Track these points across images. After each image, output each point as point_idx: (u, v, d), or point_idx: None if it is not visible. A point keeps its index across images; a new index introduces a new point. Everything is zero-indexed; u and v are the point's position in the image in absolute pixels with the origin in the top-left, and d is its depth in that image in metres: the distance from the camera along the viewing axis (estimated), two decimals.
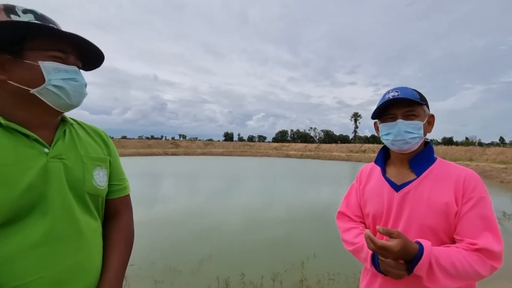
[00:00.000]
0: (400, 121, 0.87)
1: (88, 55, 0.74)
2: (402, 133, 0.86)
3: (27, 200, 0.62)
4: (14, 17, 0.62)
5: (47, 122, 0.70)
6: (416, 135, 0.86)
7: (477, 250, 0.76)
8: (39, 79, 0.63)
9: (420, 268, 0.74)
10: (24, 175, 0.61)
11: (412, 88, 0.91)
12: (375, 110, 0.91)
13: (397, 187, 0.90)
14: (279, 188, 12.31)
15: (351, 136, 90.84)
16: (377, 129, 0.98)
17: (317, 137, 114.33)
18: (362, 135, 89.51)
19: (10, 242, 0.59)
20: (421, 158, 0.91)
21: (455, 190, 0.82)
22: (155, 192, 10.60)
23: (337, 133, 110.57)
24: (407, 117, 0.87)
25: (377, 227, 0.78)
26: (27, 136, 0.65)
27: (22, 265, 0.59)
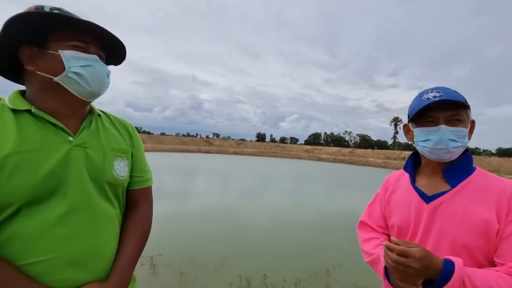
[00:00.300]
0: (443, 126, 0.76)
1: (111, 47, 0.77)
2: (446, 141, 0.76)
3: (49, 184, 0.66)
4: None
5: (74, 112, 0.75)
6: (459, 144, 0.77)
7: None
8: (60, 67, 0.67)
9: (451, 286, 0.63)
10: (47, 161, 0.66)
11: (454, 89, 0.80)
12: (415, 112, 0.80)
13: (427, 198, 0.81)
14: (308, 191, 12.03)
15: (390, 142, 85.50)
16: (407, 132, 0.90)
17: (352, 142, 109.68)
18: (402, 141, 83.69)
19: (31, 222, 0.64)
20: (458, 168, 0.80)
21: (497, 206, 0.71)
22: (188, 187, 11.06)
23: (374, 138, 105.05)
24: (450, 122, 0.77)
25: (392, 238, 0.71)
26: (54, 125, 0.70)
27: (40, 244, 0.64)
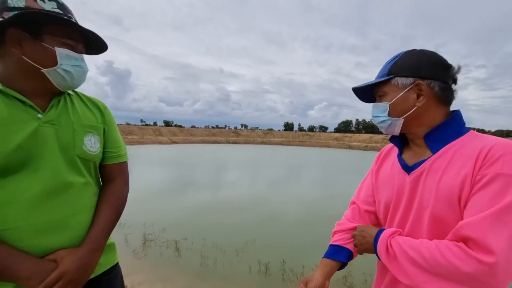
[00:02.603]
0: (372, 105, 0.82)
1: (93, 44, 0.83)
2: (374, 118, 0.80)
3: (17, 157, 0.70)
4: (40, 3, 0.71)
5: (44, 93, 0.78)
6: (382, 119, 0.77)
7: (461, 238, 0.58)
8: (52, 62, 0.73)
9: (380, 254, 0.70)
10: (15, 135, 0.70)
11: (396, 55, 0.77)
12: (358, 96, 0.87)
13: (409, 169, 0.75)
14: (335, 180, 11.71)
15: None
16: None
17: None
18: None
19: (3, 192, 0.68)
20: (439, 131, 0.71)
21: (474, 166, 0.61)
22: (213, 177, 11.39)
23: None
24: (379, 98, 0.79)
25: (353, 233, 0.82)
26: (23, 102, 0.73)
27: (12, 212, 0.69)
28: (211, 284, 3.12)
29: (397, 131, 0.77)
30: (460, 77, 0.73)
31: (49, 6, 0.72)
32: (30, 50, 0.71)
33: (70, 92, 0.87)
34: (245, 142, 52.64)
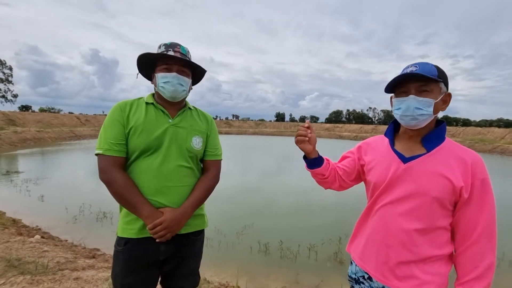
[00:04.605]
0: (411, 96, 0.87)
1: (194, 67, 1.21)
2: (412, 109, 0.87)
3: (154, 144, 1.11)
4: (158, 50, 1.15)
5: (172, 105, 1.20)
6: (425, 112, 0.87)
7: None
8: (157, 83, 1.16)
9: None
10: (156, 130, 1.12)
11: (434, 64, 0.90)
12: (388, 84, 0.92)
13: (405, 159, 0.92)
14: None
15: None
16: (391, 102, 0.99)
17: (376, 118, 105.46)
18: None
19: (143, 163, 1.10)
20: (434, 135, 0.92)
21: (462, 170, 0.85)
22: None
23: None
24: (420, 92, 0.87)
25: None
26: (163, 111, 1.17)
27: (145, 177, 1.09)
28: (218, 261, 3.46)
29: (423, 125, 0.90)
30: (449, 67, 0.99)
31: (160, 50, 1.14)
32: (154, 80, 1.18)
33: (191, 107, 1.28)
34: (237, 133, 52.74)
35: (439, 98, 0.88)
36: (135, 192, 1.06)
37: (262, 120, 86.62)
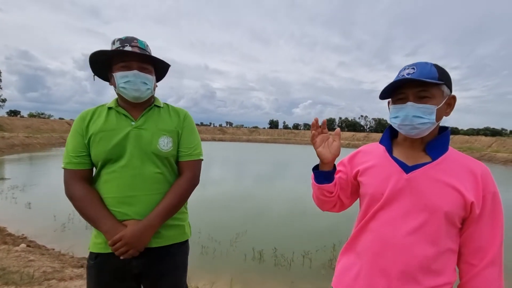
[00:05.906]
0: (410, 104, 0.76)
1: (156, 63, 1.09)
2: (411, 118, 0.76)
3: (115, 152, 1.01)
4: (112, 46, 1.02)
5: (136, 106, 1.08)
6: (426, 120, 0.75)
7: None
8: (116, 84, 1.03)
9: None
10: (116, 136, 1.02)
11: (433, 63, 0.79)
12: (384, 90, 0.81)
13: (408, 168, 0.80)
14: None
15: None
16: (388, 109, 0.88)
17: (368, 126, 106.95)
18: None
19: (105, 173, 1.02)
20: (440, 143, 0.81)
21: (472, 183, 0.75)
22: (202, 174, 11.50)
23: None
24: (419, 98, 0.76)
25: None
26: (125, 115, 1.06)
27: (109, 187, 1.01)
28: (211, 269, 3.39)
29: (425, 134, 0.79)
30: None
31: (115, 46, 1.02)
32: (112, 80, 1.06)
33: (160, 104, 1.14)
34: (231, 140, 52.69)
35: (442, 103, 0.77)
36: (94, 205, 0.98)
37: (256, 127, 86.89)
